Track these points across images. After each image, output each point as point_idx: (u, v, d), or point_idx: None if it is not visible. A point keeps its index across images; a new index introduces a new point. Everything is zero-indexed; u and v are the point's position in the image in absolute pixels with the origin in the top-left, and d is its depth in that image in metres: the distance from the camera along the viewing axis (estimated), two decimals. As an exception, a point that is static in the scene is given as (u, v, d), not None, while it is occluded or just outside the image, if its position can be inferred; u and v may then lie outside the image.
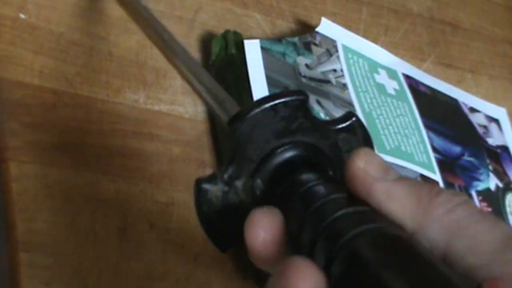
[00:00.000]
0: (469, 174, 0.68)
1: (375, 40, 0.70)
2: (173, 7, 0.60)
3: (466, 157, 0.69)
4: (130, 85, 0.55)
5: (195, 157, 0.54)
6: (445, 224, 0.27)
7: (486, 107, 0.75)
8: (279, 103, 0.32)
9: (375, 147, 0.61)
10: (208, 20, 0.62)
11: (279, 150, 0.32)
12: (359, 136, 0.34)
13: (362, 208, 0.28)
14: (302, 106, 0.33)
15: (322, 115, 0.59)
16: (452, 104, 0.72)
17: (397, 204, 0.28)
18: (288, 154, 0.33)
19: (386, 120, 0.64)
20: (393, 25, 0.74)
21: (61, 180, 0.48)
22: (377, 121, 0.63)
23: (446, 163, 0.66)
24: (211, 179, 0.32)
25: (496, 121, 0.75)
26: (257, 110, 0.32)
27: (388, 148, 0.62)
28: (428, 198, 0.28)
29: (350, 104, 0.62)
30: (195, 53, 0.59)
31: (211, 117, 0.57)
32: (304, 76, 0.61)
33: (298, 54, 0.62)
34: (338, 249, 0.26)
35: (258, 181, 0.33)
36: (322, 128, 0.33)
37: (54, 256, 0.45)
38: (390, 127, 0.64)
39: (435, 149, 0.66)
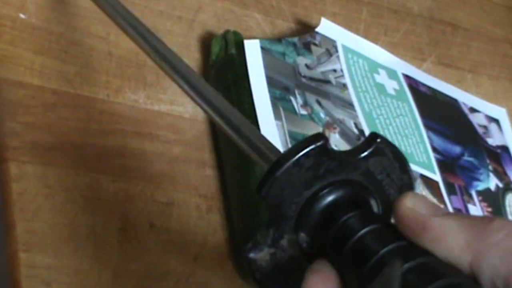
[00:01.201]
0: (469, 174, 0.68)
1: (375, 40, 0.70)
2: (173, 7, 0.60)
3: (466, 157, 0.69)
4: (130, 85, 0.55)
5: (195, 157, 0.54)
6: (505, 249, 0.27)
7: (486, 107, 0.75)
8: (301, 156, 0.31)
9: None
10: (208, 20, 0.62)
11: (313, 199, 0.32)
12: (389, 155, 0.33)
13: (422, 259, 0.28)
14: (324, 149, 0.32)
15: (322, 115, 0.59)
16: (452, 104, 0.72)
17: (453, 237, 0.28)
18: (323, 200, 0.32)
19: (386, 120, 0.64)
20: (393, 25, 0.74)
21: (61, 180, 0.48)
22: (377, 121, 0.63)
23: (446, 163, 0.66)
24: (256, 246, 0.32)
25: (496, 121, 0.75)
26: (281, 171, 0.31)
27: (388, 148, 0.62)
28: (482, 225, 0.28)
29: (350, 104, 0.62)
30: (195, 53, 0.59)
31: (211, 117, 0.57)
32: (304, 76, 0.61)
33: (298, 54, 0.62)
34: None
35: (302, 235, 0.32)
36: (349, 161, 0.33)
37: (54, 256, 0.45)
38: (390, 127, 0.64)
39: (435, 149, 0.66)
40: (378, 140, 0.33)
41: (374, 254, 0.29)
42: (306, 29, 0.66)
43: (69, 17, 0.54)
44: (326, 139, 0.32)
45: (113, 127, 0.52)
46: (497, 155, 0.72)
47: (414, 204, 0.30)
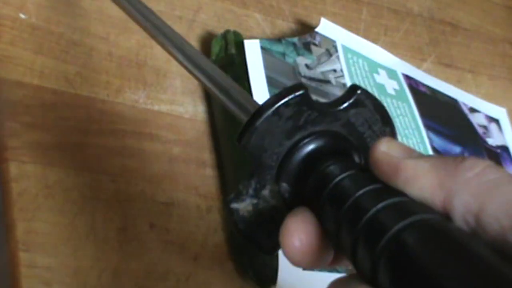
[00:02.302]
0: (469, 174, 0.68)
1: (375, 40, 0.70)
2: (173, 7, 0.60)
3: (466, 157, 0.69)
4: (130, 85, 0.55)
5: (195, 157, 0.54)
6: (476, 187, 0.27)
7: (486, 107, 0.75)
8: (281, 105, 0.31)
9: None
10: (208, 20, 0.62)
11: (294, 149, 0.32)
12: (370, 107, 0.33)
13: (395, 199, 0.28)
14: (304, 99, 0.32)
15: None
16: (452, 104, 0.72)
17: (425, 177, 0.28)
18: (304, 149, 0.32)
19: (386, 120, 0.64)
20: (393, 25, 0.74)
21: (61, 180, 0.48)
22: (377, 121, 0.63)
23: (446, 163, 0.66)
24: (237, 197, 0.32)
25: (496, 121, 0.75)
26: (260, 120, 0.31)
27: (388, 148, 0.62)
28: (454, 164, 0.28)
29: (350, 104, 0.62)
30: (195, 53, 0.59)
31: (211, 117, 0.57)
32: (304, 76, 0.61)
33: (298, 54, 0.62)
34: (382, 249, 0.26)
35: (284, 185, 0.32)
36: (330, 112, 0.33)
37: (54, 256, 0.45)
38: (390, 127, 0.64)
39: (435, 149, 0.66)
40: (359, 91, 0.33)
41: (350, 196, 0.29)
42: (306, 29, 0.66)
43: (69, 17, 0.54)
44: (306, 89, 0.32)
45: (113, 127, 0.52)
46: (497, 155, 0.72)
47: (388, 148, 0.30)
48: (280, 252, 0.49)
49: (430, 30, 0.77)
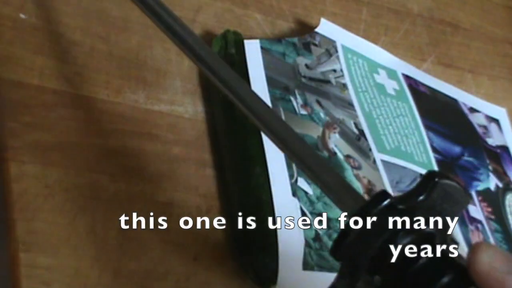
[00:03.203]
0: (469, 174, 0.68)
1: (375, 40, 0.70)
2: (173, 7, 0.60)
3: (466, 157, 0.69)
4: (130, 85, 0.55)
5: (195, 157, 0.54)
6: None
7: (486, 107, 0.75)
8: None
9: (375, 147, 0.61)
10: (208, 20, 0.62)
11: (384, 247, 0.33)
12: (447, 189, 0.35)
13: None
14: (389, 206, 0.33)
15: (322, 115, 0.59)
16: (452, 104, 0.73)
17: None
18: (394, 246, 0.33)
19: (386, 120, 0.64)
20: (393, 25, 0.74)
21: (61, 180, 0.48)
22: (377, 121, 0.63)
23: (446, 163, 0.66)
24: None
25: (496, 121, 0.75)
26: (351, 237, 0.33)
27: (388, 148, 0.62)
28: None
29: (350, 104, 0.62)
30: (195, 53, 0.59)
31: (211, 117, 0.57)
32: (304, 76, 0.61)
33: (298, 54, 0.62)
34: None
35: (377, 277, 0.34)
36: (411, 206, 0.34)
37: (54, 256, 0.45)
38: (390, 127, 0.64)
39: (434, 149, 0.66)
40: (436, 179, 0.34)
41: None
42: (306, 29, 0.66)
43: (70, 17, 0.54)
44: (390, 197, 0.33)
45: (113, 127, 0.52)
46: (497, 155, 0.72)
47: (490, 259, 0.30)
48: (280, 252, 0.49)
49: (430, 30, 0.77)
